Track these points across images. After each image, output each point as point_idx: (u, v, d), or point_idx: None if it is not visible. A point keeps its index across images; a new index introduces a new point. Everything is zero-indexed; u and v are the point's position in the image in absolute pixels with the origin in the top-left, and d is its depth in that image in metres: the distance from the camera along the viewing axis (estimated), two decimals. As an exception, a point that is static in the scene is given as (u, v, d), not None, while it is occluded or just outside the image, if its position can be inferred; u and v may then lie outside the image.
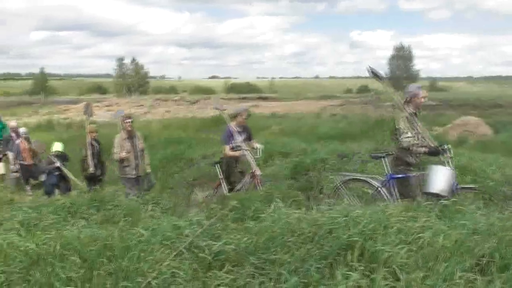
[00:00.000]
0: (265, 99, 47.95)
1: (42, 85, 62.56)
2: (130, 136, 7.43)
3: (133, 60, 65.77)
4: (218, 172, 6.78)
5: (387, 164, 5.41)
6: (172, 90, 66.01)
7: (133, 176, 7.39)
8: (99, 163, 8.21)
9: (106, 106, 38.03)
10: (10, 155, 10.62)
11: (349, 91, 70.61)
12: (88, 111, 8.34)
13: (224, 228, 3.73)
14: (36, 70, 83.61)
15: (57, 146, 9.05)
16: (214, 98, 8.54)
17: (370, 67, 5.66)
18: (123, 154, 7.20)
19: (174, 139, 14.56)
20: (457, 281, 2.75)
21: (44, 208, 5.17)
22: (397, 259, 2.91)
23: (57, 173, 8.56)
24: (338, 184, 5.75)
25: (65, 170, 8.67)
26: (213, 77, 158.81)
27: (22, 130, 10.34)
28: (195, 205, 6.53)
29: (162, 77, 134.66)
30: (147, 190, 7.31)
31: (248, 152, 6.55)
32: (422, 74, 76.50)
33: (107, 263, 3.00)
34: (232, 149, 6.64)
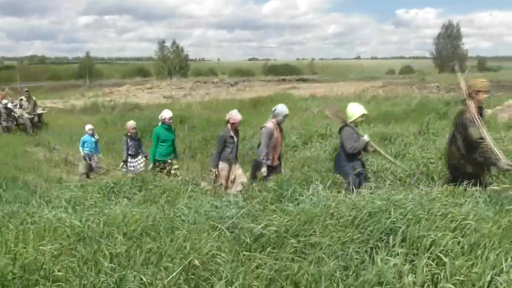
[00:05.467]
0: (304, 80, 47.32)
1: (88, 69, 64.65)
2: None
3: (174, 42, 66.37)
4: None
5: None
6: (211, 72, 66.41)
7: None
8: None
9: (148, 88, 38.87)
10: None
11: (391, 72, 68.40)
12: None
13: (263, 209, 3.73)
14: (82, 54, 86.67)
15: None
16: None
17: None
18: None
19: (214, 121, 14.69)
20: (506, 270, 2.62)
21: (90, 187, 5.39)
22: (441, 245, 2.80)
23: None
24: None
25: None
26: (253, 59, 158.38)
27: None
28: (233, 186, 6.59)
29: (202, 59, 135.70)
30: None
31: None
32: (471, 53, 72.85)
33: (151, 241, 3.07)
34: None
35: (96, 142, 9.65)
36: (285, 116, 6.35)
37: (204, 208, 3.60)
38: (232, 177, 6.61)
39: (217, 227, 3.26)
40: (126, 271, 2.67)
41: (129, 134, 8.26)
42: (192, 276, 2.70)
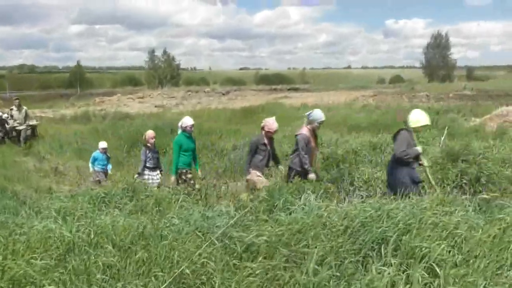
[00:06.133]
0: (296, 89, 47.58)
1: (78, 78, 64.31)
2: None
3: (165, 51, 66.42)
4: None
5: None
6: (203, 81, 66.50)
7: None
8: None
9: (139, 98, 38.77)
10: None
11: (381, 81, 69.08)
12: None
13: (255, 219, 3.72)
14: (72, 63, 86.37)
15: None
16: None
17: None
18: None
19: (205, 130, 14.68)
20: (500, 280, 2.64)
21: (80, 197, 5.33)
22: (434, 255, 2.81)
23: None
24: None
25: None
26: (244, 68, 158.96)
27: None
28: (226, 196, 6.57)
29: (193, 69, 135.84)
30: None
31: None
32: (459, 63, 73.77)
33: (141, 251, 3.05)
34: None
35: (107, 159, 9.32)
36: (321, 122, 6.06)
37: (194, 218, 3.58)
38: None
39: (206, 236, 3.24)
40: (118, 283, 2.64)
41: (148, 144, 7.62)
42: (183, 285, 2.68)
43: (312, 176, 5.82)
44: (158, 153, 7.97)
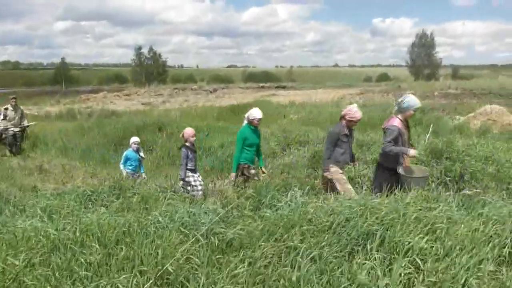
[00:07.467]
0: (283, 87, 47.71)
1: (63, 75, 63.52)
2: None
3: (151, 49, 65.97)
4: None
5: None
6: (190, 79, 66.24)
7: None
8: None
9: (125, 95, 38.49)
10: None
11: (368, 79, 69.62)
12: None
13: (240, 216, 3.74)
14: (57, 60, 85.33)
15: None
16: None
17: None
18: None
19: (192, 127, 14.61)
20: (479, 274, 2.70)
21: (67, 195, 5.29)
22: (417, 249, 2.87)
23: None
24: None
25: None
26: (232, 66, 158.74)
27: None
28: (213, 194, 6.57)
29: (181, 66, 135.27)
30: None
31: None
32: (445, 62, 74.80)
33: (126, 249, 3.05)
34: None
35: (140, 160, 7.97)
36: (417, 109, 5.14)
37: (178, 215, 3.59)
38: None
39: (191, 233, 3.26)
40: (101, 280, 2.64)
41: (187, 144, 6.79)
42: (167, 281, 2.70)
43: (413, 151, 4.91)
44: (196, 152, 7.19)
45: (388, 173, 4.98)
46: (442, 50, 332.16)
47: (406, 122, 5.16)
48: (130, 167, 7.71)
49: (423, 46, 66.75)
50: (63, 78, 61.18)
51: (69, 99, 35.38)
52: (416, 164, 5.55)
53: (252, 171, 6.40)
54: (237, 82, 62.14)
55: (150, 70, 62.71)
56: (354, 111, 5.61)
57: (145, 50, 65.65)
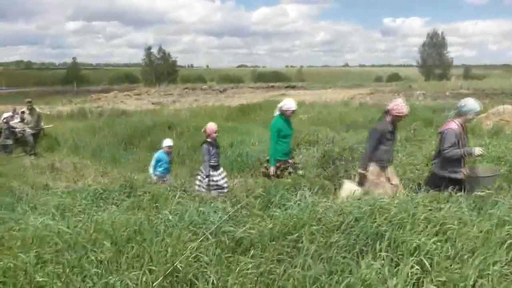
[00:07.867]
0: (293, 87, 47.62)
1: (74, 75, 64.16)
2: None
3: (160, 48, 66.27)
4: None
5: None
6: (200, 79, 66.45)
7: None
8: None
9: (136, 95, 38.74)
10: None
11: (379, 79, 69.18)
12: None
13: (250, 215, 3.75)
14: (69, 60, 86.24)
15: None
16: None
17: None
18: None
19: (202, 127, 14.67)
20: (489, 273, 2.68)
21: (78, 194, 5.35)
22: (425, 249, 2.85)
23: None
24: None
25: None
26: (242, 66, 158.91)
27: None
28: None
29: (191, 66, 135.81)
30: None
31: None
32: (456, 62, 74.04)
33: (136, 246, 3.08)
34: None
35: (170, 162, 7.77)
36: (478, 114, 5.00)
37: (188, 213, 3.61)
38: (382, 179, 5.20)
39: (200, 231, 3.27)
40: (111, 277, 2.67)
41: (209, 140, 6.63)
42: (176, 279, 2.72)
43: (478, 149, 4.77)
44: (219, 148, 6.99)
45: (449, 182, 4.55)
46: (454, 49, 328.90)
47: (465, 127, 4.95)
48: (160, 169, 7.49)
49: (434, 45, 66.13)
50: (75, 78, 61.76)
51: (80, 98, 35.67)
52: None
53: (290, 160, 6.29)
54: (247, 82, 62.14)
55: (160, 70, 62.96)
56: (401, 105, 5.23)
57: (155, 50, 66.01)
